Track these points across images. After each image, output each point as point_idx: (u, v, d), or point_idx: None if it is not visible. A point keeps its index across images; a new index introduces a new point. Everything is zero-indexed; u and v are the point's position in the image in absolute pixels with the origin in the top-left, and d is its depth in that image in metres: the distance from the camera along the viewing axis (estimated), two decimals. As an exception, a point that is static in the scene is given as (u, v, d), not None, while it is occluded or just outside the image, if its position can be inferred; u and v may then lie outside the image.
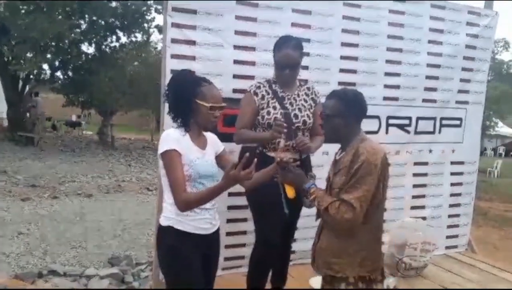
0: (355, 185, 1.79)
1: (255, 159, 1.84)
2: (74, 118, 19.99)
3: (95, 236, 5.09)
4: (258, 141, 2.54)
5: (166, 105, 2.19)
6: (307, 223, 3.48)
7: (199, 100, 1.95)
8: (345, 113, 1.91)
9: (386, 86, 3.59)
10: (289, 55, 2.49)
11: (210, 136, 2.15)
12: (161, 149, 1.92)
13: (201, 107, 1.96)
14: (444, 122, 3.85)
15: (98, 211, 6.36)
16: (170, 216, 1.97)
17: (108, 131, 16.16)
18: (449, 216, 4.09)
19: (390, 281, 3.11)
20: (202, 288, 2.01)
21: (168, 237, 1.97)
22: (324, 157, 3.45)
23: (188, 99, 1.96)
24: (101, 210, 6.44)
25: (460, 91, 3.89)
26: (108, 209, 6.50)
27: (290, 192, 2.10)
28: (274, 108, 2.53)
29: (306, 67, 3.25)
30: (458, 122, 3.94)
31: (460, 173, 4.06)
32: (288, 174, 2.03)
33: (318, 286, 2.79)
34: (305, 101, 2.64)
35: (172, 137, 1.95)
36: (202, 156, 2.02)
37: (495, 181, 13.08)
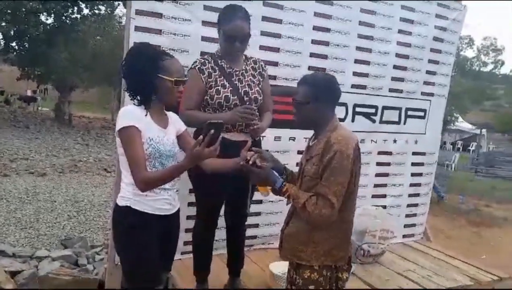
0: (329, 177, 1.75)
1: (220, 136, 1.76)
2: (29, 93, 19.08)
3: (48, 217, 4.85)
4: None
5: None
6: (270, 208, 3.47)
7: (162, 75, 1.84)
8: (317, 99, 1.84)
9: (355, 73, 3.57)
10: (239, 26, 2.31)
11: (172, 115, 2.04)
12: (119, 125, 1.80)
13: (164, 82, 1.85)
14: (409, 112, 3.90)
15: (52, 191, 6.07)
16: (128, 196, 1.87)
17: (65, 108, 15.53)
18: (408, 205, 4.18)
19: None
20: (159, 270, 1.94)
21: (125, 218, 1.87)
22: (290, 142, 3.43)
23: (149, 74, 1.83)
24: (55, 190, 6.15)
25: (425, 83, 3.95)
26: (62, 189, 6.22)
27: (264, 190, 1.98)
28: (224, 86, 2.38)
29: (277, 49, 3.19)
30: (422, 114, 4.01)
31: (421, 164, 4.15)
32: (257, 176, 1.90)
33: (278, 271, 2.79)
34: (253, 76, 2.52)
35: (131, 113, 1.84)
36: (163, 135, 1.91)
37: (451, 173, 13.66)
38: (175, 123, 2.03)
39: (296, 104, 1.89)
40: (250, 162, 1.90)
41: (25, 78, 15.07)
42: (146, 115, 1.86)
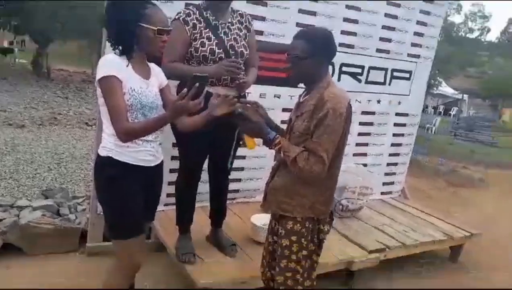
0: (322, 135, 1.74)
1: (205, 90, 1.74)
2: (5, 44, 18.29)
3: (28, 168, 4.78)
4: None
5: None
6: (253, 164, 3.51)
7: (145, 24, 1.77)
8: (314, 54, 1.79)
9: (343, 32, 3.53)
10: None
11: (154, 67, 1.99)
12: (99, 74, 1.75)
13: (147, 31, 1.78)
14: (395, 73, 3.92)
15: (31, 143, 5.94)
16: (110, 147, 1.84)
17: (43, 60, 14.98)
18: (388, 164, 4.28)
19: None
20: (141, 220, 1.95)
21: (107, 168, 1.85)
22: (275, 100, 3.42)
23: (131, 23, 1.76)
24: (35, 142, 6.03)
25: (413, 44, 3.94)
26: (42, 142, 6.10)
27: (251, 144, 1.95)
28: (209, 38, 2.32)
29: (264, 3, 3.11)
30: (407, 75, 4.03)
31: (403, 125, 4.21)
32: (248, 124, 1.87)
33: (259, 223, 2.86)
34: (240, 30, 2.45)
35: (111, 62, 1.78)
36: (145, 86, 1.87)
37: (432, 136, 13.91)
38: (158, 75, 1.99)
39: (293, 58, 1.83)
40: (240, 110, 1.87)
41: (1, 28, 14.38)
42: (127, 65, 1.81)
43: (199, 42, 2.30)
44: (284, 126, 3.60)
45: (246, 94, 2.62)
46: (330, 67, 3.56)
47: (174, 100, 1.71)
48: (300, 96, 1.97)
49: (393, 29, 3.77)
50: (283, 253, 1.90)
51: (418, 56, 4.01)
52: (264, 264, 2.14)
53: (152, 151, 1.93)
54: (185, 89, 1.67)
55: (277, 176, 1.96)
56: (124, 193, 1.86)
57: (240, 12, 2.50)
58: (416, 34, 3.92)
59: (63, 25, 13.45)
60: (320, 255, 1.98)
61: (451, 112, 22.79)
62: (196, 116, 1.96)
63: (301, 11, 3.30)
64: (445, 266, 3.69)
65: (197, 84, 1.67)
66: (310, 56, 1.79)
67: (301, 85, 1.97)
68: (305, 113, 1.82)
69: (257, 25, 3.07)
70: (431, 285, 3.32)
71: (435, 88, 19.78)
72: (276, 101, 3.42)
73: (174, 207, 2.67)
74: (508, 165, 9.50)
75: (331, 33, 1.88)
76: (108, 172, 1.85)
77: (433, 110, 24.89)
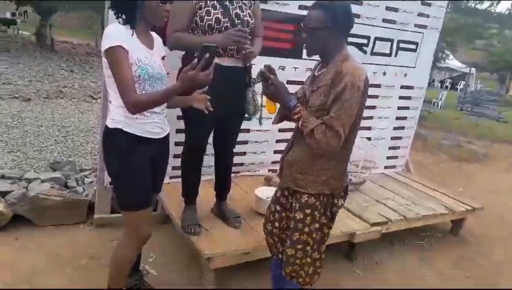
0: (340, 109, 1.71)
1: (214, 61, 1.73)
2: (8, 15, 18.07)
3: (35, 141, 4.83)
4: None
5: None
6: (257, 137, 3.52)
7: None
8: (332, 25, 1.74)
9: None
10: None
11: (156, 37, 1.97)
12: (105, 45, 1.72)
13: (149, 0, 1.77)
14: (401, 45, 3.85)
15: (38, 116, 5.98)
16: (119, 119, 1.84)
17: (47, 32, 14.84)
18: (392, 138, 4.27)
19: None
20: (149, 191, 1.98)
21: (116, 139, 1.86)
22: (280, 72, 3.37)
23: None
24: (41, 115, 6.06)
25: (420, 14, 3.85)
26: (48, 115, 6.13)
27: (271, 107, 1.95)
28: (214, 7, 2.27)
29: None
30: (414, 46, 3.96)
31: (408, 98, 4.17)
32: (271, 87, 1.84)
33: (263, 196, 2.90)
34: None
35: (116, 32, 1.75)
36: (150, 56, 1.86)
37: (438, 111, 13.81)
38: (160, 46, 1.98)
39: (310, 28, 1.77)
40: (263, 70, 1.85)
41: (3, -1, 14.26)
42: (132, 34, 1.79)
43: (204, 10, 2.26)
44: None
45: (251, 65, 2.59)
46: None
47: (185, 70, 1.70)
48: (314, 69, 1.94)
49: (400, -3, 3.68)
50: (296, 227, 1.91)
51: (425, 27, 3.93)
52: (269, 233, 2.17)
53: (159, 123, 1.95)
54: (195, 60, 1.67)
55: (292, 150, 1.96)
56: (134, 165, 1.88)
57: None
58: (424, 3, 3.84)
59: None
60: (331, 228, 2.01)
61: (458, 86, 22.50)
62: (187, 98, 2.01)
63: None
64: (446, 239, 3.74)
65: (207, 55, 1.66)
66: (327, 27, 1.74)
67: (305, 57, 1.95)
68: (322, 87, 1.79)
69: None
70: (431, 258, 3.38)
71: (442, 61, 19.41)
72: (281, 73, 3.33)
73: (180, 179, 2.70)
74: (513, 140, 9.45)
75: (349, 4, 1.83)
76: (118, 143, 1.86)
77: (439, 84, 24.59)
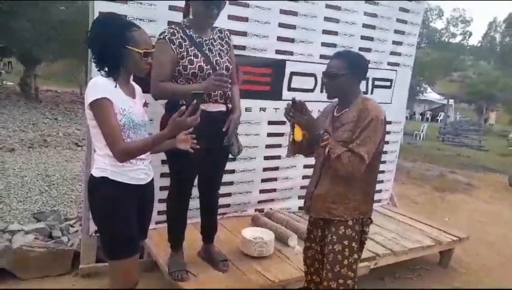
0: (365, 139, 1.95)
1: (201, 107, 1.81)
2: (-8, 66, 18.19)
3: (19, 192, 4.77)
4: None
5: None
6: (243, 178, 3.56)
7: (130, 46, 1.82)
8: (349, 72, 2.03)
9: (323, 44, 3.62)
10: None
11: (136, 86, 2.05)
12: (91, 98, 1.77)
13: (133, 54, 1.83)
14: (376, 82, 4.00)
15: (22, 166, 5.93)
16: (105, 167, 1.87)
17: (31, 82, 14.93)
18: (375, 172, 4.33)
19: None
20: (136, 239, 1.98)
21: (102, 189, 1.88)
22: (261, 113, 3.48)
23: (117, 46, 1.81)
24: (25, 165, 6.02)
25: (392, 53, 4.04)
26: (32, 165, 6.09)
27: (298, 135, 2.10)
28: (196, 56, 2.36)
29: (245, 19, 3.18)
30: (388, 83, 4.12)
31: (387, 132, 4.25)
32: (304, 116, 2.04)
33: (250, 236, 2.90)
34: (222, 45, 2.52)
35: (101, 85, 1.81)
36: (133, 104, 1.92)
37: (420, 143, 14.08)
38: (140, 94, 2.05)
39: (331, 75, 2.06)
40: (297, 100, 2.03)
41: (-14, 51, 14.39)
42: (115, 86, 1.85)
43: (187, 60, 2.35)
44: (270, 139, 3.67)
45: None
46: (313, 79, 3.66)
47: (173, 117, 1.76)
48: (333, 110, 2.18)
49: (371, 39, 3.87)
50: (336, 258, 2.05)
51: (397, 64, 4.12)
52: (310, 272, 2.32)
53: (145, 169, 1.99)
54: (184, 107, 1.75)
55: (319, 184, 2.15)
56: (120, 213, 1.89)
57: (219, 28, 2.56)
58: (395, 42, 4.03)
59: (49, 45, 13.40)
60: (361, 257, 2.20)
61: (438, 118, 23.10)
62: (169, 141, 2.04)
63: (281, 25, 3.38)
64: (436, 271, 3.75)
65: (194, 101, 1.75)
66: (347, 73, 2.03)
67: (286, 97, 2.09)
68: (347, 124, 2.03)
69: (239, 40, 3.15)
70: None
71: (420, 95, 20.04)
72: (262, 114, 3.49)
73: (165, 224, 2.70)
74: (494, 168, 9.65)
75: (363, 56, 2.14)
76: (104, 193, 1.88)
77: (420, 116, 25.22)
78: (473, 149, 13.97)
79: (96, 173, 1.89)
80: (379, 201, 4.43)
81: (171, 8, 2.83)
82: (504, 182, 7.98)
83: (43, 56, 14.97)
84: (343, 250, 2.04)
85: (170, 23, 2.70)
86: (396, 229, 3.80)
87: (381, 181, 4.40)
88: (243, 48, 3.21)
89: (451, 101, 23.36)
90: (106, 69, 1.86)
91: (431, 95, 24.58)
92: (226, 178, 3.34)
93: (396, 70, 4.12)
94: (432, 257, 3.85)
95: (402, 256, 3.37)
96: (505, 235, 4.88)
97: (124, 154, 1.80)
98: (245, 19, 3.19)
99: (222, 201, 3.32)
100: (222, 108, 2.47)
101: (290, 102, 2.05)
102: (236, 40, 3.08)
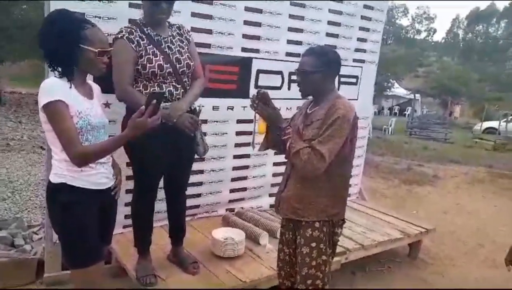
0: (328, 136, 1.89)
1: (161, 107, 1.76)
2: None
3: (-21, 200, 4.58)
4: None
5: None
6: (212, 178, 3.52)
7: (84, 45, 1.74)
8: (323, 69, 1.98)
9: (289, 41, 3.62)
10: None
11: (94, 86, 1.96)
12: (44, 100, 1.67)
13: (87, 53, 1.75)
14: (342, 79, 4.04)
15: (-17, 172, 5.70)
16: (62, 173, 1.78)
17: (-7, 84, 14.33)
18: (344, 168, 4.39)
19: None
20: (99, 245, 1.92)
21: (61, 195, 1.79)
22: (229, 112, 3.45)
23: (69, 45, 1.72)
24: (-14, 171, 5.79)
25: (357, 50, 4.09)
26: (-6, 170, 5.87)
27: (262, 128, 2.08)
28: (154, 54, 2.29)
29: (210, 16, 3.14)
30: (354, 80, 4.17)
31: (355, 128, 4.34)
32: (269, 109, 2.00)
33: (220, 237, 2.87)
34: (181, 42, 2.46)
35: (55, 86, 1.71)
36: (91, 106, 1.83)
37: (388, 137, 14.38)
38: (99, 94, 1.97)
39: (304, 72, 2.00)
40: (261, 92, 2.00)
41: None
42: (70, 87, 1.76)
43: (146, 58, 2.28)
44: (239, 138, 3.65)
45: (198, 108, 2.58)
46: (279, 76, 3.66)
47: (133, 117, 1.70)
48: (306, 107, 2.13)
49: (336, 36, 3.90)
50: (303, 261, 2.03)
51: (363, 61, 4.17)
52: (281, 276, 2.28)
53: (106, 173, 1.91)
54: (143, 107, 1.69)
55: (288, 184, 2.12)
56: (80, 220, 1.81)
57: (177, 25, 2.51)
58: (360, 39, 4.08)
59: (11, 45, 12.90)
60: (333, 257, 2.15)
61: (406, 112, 23.69)
62: None
63: (246, 22, 3.35)
64: (405, 263, 3.83)
65: (154, 101, 1.70)
66: (320, 71, 1.98)
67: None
68: (316, 121, 1.97)
69: (204, 38, 3.11)
70: (392, 283, 3.43)
71: (388, 90, 20.48)
72: (230, 113, 3.46)
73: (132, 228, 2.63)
74: (460, 161, 9.96)
75: (337, 52, 2.09)
76: (63, 199, 1.79)
77: (388, 111, 25.80)
78: (439, 142, 14.40)
79: (54, 179, 1.81)
80: (348, 195, 4.48)
81: (132, 5, 2.75)
82: (469, 174, 8.26)
83: (5, 57, 14.38)
84: (311, 252, 2.01)
85: (130, 21, 2.61)
86: (366, 223, 3.85)
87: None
88: (208, 46, 3.17)
89: (418, 96, 24.00)
90: (60, 69, 1.77)
91: (399, 90, 25.18)
92: (195, 178, 3.30)
93: (361, 67, 4.17)
94: (401, 249, 3.93)
95: (372, 249, 3.42)
96: (468, 225, 5.05)
97: (81, 158, 1.72)
98: (210, 17, 3.14)
99: (191, 202, 3.29)
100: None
101: (256, 93, 2.02)
102: (201, 38, 3.05)
